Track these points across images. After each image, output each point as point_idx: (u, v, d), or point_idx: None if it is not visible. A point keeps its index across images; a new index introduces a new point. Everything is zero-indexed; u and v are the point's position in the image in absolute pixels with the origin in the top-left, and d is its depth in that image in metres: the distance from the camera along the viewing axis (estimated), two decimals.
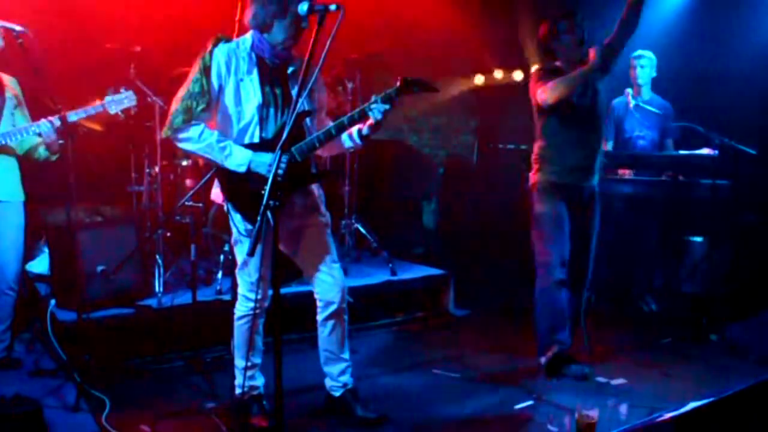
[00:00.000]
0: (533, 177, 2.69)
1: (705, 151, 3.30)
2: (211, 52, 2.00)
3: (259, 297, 2.13)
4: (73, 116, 2.35)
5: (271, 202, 1.69)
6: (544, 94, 2.51)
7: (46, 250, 3.08)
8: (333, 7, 1.75)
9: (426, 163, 5.12)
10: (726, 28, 3.82)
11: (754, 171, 3.31)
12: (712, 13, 3.92)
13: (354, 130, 2.09)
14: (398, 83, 1.97)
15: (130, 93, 2.47)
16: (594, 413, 1.97)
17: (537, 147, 2.69)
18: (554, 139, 2.61)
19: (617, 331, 3.31)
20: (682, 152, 3.38)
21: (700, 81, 3.80)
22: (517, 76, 5.02)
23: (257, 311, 2.15)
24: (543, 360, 2.65)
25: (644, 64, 3.51)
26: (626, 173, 3.45)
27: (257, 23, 2.02)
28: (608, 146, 3.61)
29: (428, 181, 5.10)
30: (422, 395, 2.53)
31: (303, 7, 1.90)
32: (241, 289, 2.19)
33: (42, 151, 2.49)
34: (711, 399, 1.67)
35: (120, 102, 2.45)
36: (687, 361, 2.90)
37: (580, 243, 2.64)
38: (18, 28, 2.20)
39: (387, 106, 1.97)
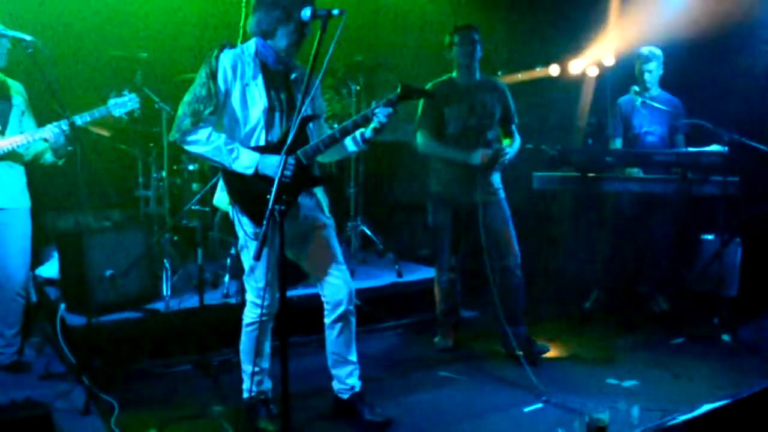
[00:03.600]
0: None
1: (714, 147, 3.25)
2: (216, 57, 2.01)
3: (266, 303, 2.13)
4: (78, 120, 2.37)
5: (276, 207, 1.69)
6: (422, 146, 2.94)
7: (56, 254, 3.11)
8: (335, 12, 1.76)
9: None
10: (735, 22, 3.76)
11: (764, 167, 3.26)
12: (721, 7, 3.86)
13: (357, 133, 2.12)
14: (398, 89, 2.03)
15: (133, 95, 2.50)
16: (605, 416, 1.94)
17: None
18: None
19: (628, 332, 3.27)
20: (691, 149, 3.33)
21: (708, 77, 3.74)
22: (519, 75, 4.97)
23: (264, 318, 2.15)
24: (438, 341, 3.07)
25: (651, 67, 3.47)
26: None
27: (261, 30, 2.03)
28: (617, 144, 3.58)
29: None
30: (430, 398, 2.52)
31: (306, 13, 1.91)
32: (249, 296, 2.19)
33: (48, 157, 2.51)
34: (725, 401, 1.64)
35: (123, 105, 2.48)
36: (699, 362, 2.86)
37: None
38: (28, 38, 2.22)
39: (389, 110, 2.02)
